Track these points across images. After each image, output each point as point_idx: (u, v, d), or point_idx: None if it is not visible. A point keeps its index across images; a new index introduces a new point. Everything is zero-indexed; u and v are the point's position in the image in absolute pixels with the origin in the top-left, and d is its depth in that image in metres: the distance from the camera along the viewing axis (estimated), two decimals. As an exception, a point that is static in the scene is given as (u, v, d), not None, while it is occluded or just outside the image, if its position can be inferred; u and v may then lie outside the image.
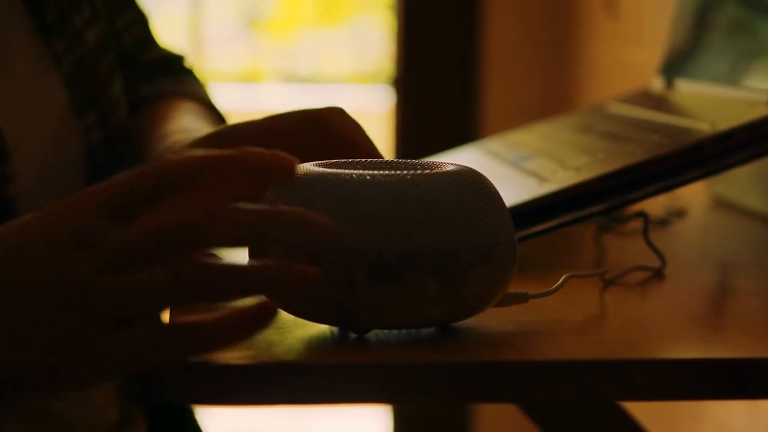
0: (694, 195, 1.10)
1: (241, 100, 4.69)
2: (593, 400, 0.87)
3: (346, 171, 0.58)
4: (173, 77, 0.93)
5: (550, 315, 0.64)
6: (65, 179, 0.80)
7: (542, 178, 0.82)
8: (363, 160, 0.64)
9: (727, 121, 0.80)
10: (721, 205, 1.07)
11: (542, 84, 2.26)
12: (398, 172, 0.59)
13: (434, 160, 0.63)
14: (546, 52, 2.25)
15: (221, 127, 0.72)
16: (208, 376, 0.54)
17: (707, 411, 1.43)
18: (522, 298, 0.63)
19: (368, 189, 0.57)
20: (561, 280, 0.65)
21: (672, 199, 1.05)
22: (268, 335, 0.59)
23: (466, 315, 0.59)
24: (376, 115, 3.09)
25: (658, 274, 0.76)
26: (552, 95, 2.25)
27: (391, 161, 0.64)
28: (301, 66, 5.03)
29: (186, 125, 0.81)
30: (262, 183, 0.58)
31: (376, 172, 0.58)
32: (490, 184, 0.60)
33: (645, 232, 0.79)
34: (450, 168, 0.60)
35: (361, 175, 0.58)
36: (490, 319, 0.62)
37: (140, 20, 0.94)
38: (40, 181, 0.77)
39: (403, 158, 0.86)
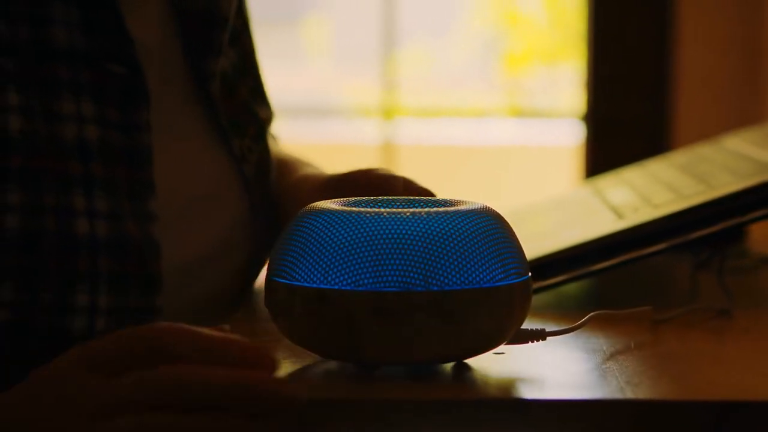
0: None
1: (470, 136, 4.73)
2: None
3: (357, 209, 0.60)
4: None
5: (567, 353, 0.65)
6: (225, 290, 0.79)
7: (620, 215, 0.82)
8: (383, 197, 0.65)
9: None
10: None
11: (731, 115, 2.20)
12: (407, 210, 0.59)
13: (457, 199, 0.64)
14: (734, 83, 2.19)
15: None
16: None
17: None
18: (539, 335, 0.63)
19: (375, 225, 0.58)
20: (585, 318, 0.65)
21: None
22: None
23: (475, 352, 0.60)
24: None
25: (723, 314, 0.74)
26: (741, 125, 2.20)
27: (413, 199, 0.65)
28: (534, 101, 5.03)
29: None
30: (242, 368, 0.55)
31: (383, 210, 0.59)
32: (504, 222, 0.61)
33: (719, 270, 0.77)
34: (464, 207, 0.60)
35: (373, 213, 0.59)
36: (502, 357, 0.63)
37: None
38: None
39: None
